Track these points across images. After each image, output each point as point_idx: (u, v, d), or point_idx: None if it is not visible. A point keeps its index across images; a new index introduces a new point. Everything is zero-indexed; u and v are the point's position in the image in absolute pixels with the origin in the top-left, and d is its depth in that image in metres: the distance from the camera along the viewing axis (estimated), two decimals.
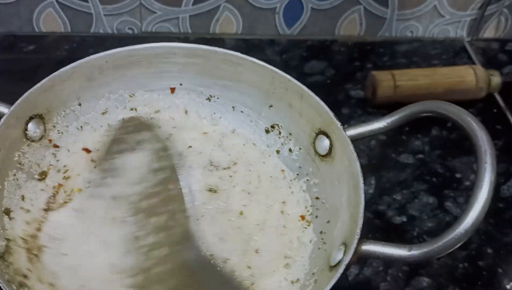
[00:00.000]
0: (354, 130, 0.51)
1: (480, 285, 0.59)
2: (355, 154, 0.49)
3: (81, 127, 0.57)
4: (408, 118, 0.49)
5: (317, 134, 0.55)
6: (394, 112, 0.50)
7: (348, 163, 0.50)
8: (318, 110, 0.53)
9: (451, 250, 0.41)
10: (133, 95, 0.59)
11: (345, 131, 0.51)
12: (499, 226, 0.64)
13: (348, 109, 0.75)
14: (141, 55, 0.57)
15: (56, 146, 0.55)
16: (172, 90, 0.59)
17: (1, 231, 0.47)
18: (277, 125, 0.59)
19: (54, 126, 0.55)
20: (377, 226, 0.62)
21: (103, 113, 0.58)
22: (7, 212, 0.49)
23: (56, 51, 0.77)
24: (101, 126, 0.58)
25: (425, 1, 0.82)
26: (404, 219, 0.63)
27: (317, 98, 0.53)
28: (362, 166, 0.49)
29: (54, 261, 0.48)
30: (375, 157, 0.69)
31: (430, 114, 0.48)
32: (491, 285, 0.59)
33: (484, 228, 0.63)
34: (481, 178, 0.42)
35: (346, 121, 0.73)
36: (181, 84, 0.59)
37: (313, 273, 0.49)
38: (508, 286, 0.59)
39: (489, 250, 0.61)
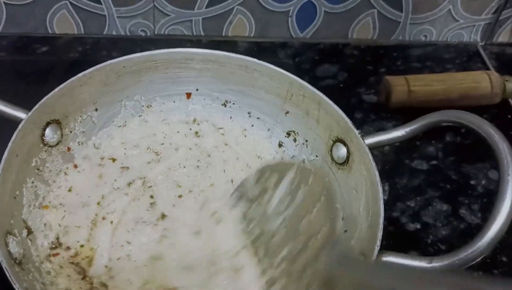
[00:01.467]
0: (372, 138, 0.51)
1: None
2: (373, 163, 0.49)
3: (100, 143, 0.58)
4: (427, 127, 0.49)
5: (334, 142, 0.54)
6: (413, 121, 0.50)
7: (366, 172, 0.49)
8: (336, 118, 0.53)
9: (472, 263, 0.41)
10: (150, 105, 0.59)
11: (363, 140, 0.50)
12: None
13: (361, 113, 0.75)
14: (158, 60, 0.57)
15: (75, 166, 0.56)
16: (188, 95, 0.59)
17: (19, 238, 0.47)
18: (293, 132, 0.58)
19: (71, 132, 0.55)
20: (391, 233, 0.62)
21: (120, 126, 0.58)
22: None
23: (70, 52, 0.77)
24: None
25: (439, 5, 0.82)
26: (418, 226, 0.63)
27: (335, 106, 0.53)
28: None
29: None
30: (388, 163, 0.69)
31: (450, 123, 0.48)
32: None
33: (504, 239, 0.62)
34: (504, 190, 0.41)
35: (360, 126, 0.72)
36: (197, 90, 0.59)
37: None
38: None
39: (504, 259, 0.61)
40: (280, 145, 0.59)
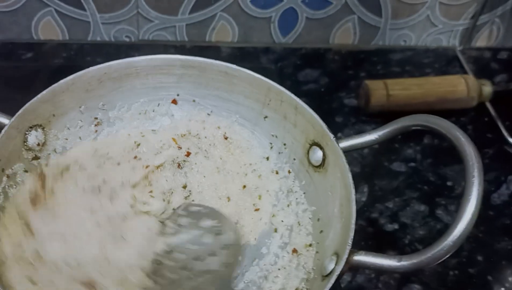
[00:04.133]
0: (346, 142, 0.52)
1: None
2: (347, 166, 0.50)
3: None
4: (398, 131, 0.50)
5: (311, 146, 0.56)
6: (385, 125, 0.51)
7: (341, 175, 0.51)
8: (312, 122, 0.54)
9: (440, 261, 0.43)
10: (130, 108, 0.60)
11: (337, 143, 0.52)
12: (490, 234, 0.65)
13: (341, 117, 0.76)
14: (140, 66, 0.58)
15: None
16: (174, 101, 0.60)
17: None
18: (272, 135, 0.60)
19: (55, 135, 0.56)
20: (369, 233, 0.64)
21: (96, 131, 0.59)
22: None
23: (54, 58, 0.78)
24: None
25: (418, 11, 0.83)
26: (396, 226, 0.65)
27: (311, 110, 0.54)
28: (355, 174, 0.50)
29: None
30: (368, 165, 0.70)
31: (420, 127, 0.49)
32: None
33: (475, 236, 0.64)
34: (469, 191, 0.43)
35: (340, 129, 0.74)
36: (178, 95, 0.60)
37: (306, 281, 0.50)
38: None
39: (480, 258, 0.63)
40: None
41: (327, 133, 0.53)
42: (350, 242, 0.44)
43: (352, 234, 0.45)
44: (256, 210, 0.57)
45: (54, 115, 0.55)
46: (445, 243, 0.42)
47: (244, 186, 0.58)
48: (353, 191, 0.48)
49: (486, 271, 0.61)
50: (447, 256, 0.42)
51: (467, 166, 0.44)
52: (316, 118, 0.54)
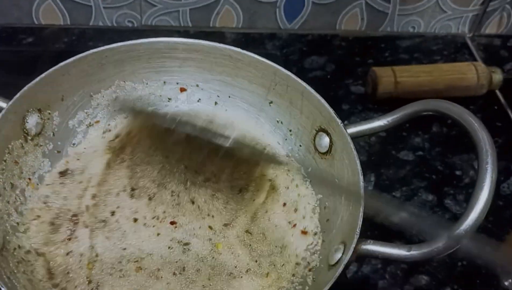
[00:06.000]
0: (354, 128, 0.51)
1: (479, 283, 0.59)
2: (355, 152, 0.49)
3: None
4: (409, 117, 0.49)
5: (317, 132, 0.54)
6: (395, 110, 0.50)
7: (348, 161, 0.49)
8: (319, 108, 0.53)
9: (451, 251, 0.41)
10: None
11: (345, 129, 0.50)
12: (499, 224, 0.63)
13: (348, 105, 0.75)
14: (142, 49, 0.56)
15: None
16: (182, 89, 0.59)
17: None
18: (277, 121, 0.58)
19: (53, 121, 0.55)
20: (375, 223, 0.62)
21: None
22: None
23: (55, 43, 0.77)
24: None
25: None
26: None
27: (318, 96, 0.53)
28: (361, 163, 0.48)
29: None
30: (375, 154, 0.69)
31: (431, 113, 0.48)
32: (490, 283, 0.59)
33: (484, 226, 0.63)
34: (482, 178, 0.41)
35: (347, 117, 0.72)
36: (177, 83, 0.59)
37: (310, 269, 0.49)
38: (506, 283, 0.58)
39: None
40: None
41: (334, 118, 0.51)
42: (358, 230, 0.43)
43: (360, 222, 0.44)
44: None
45: (53, 99, 0.54)
46: (457, 232, 0.41)
47: None
48: (361, 177, 0.47)
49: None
50: (459, 245, 0.41)
51: (480, 153, 0.42)
52: (323, 104, 0.53)
